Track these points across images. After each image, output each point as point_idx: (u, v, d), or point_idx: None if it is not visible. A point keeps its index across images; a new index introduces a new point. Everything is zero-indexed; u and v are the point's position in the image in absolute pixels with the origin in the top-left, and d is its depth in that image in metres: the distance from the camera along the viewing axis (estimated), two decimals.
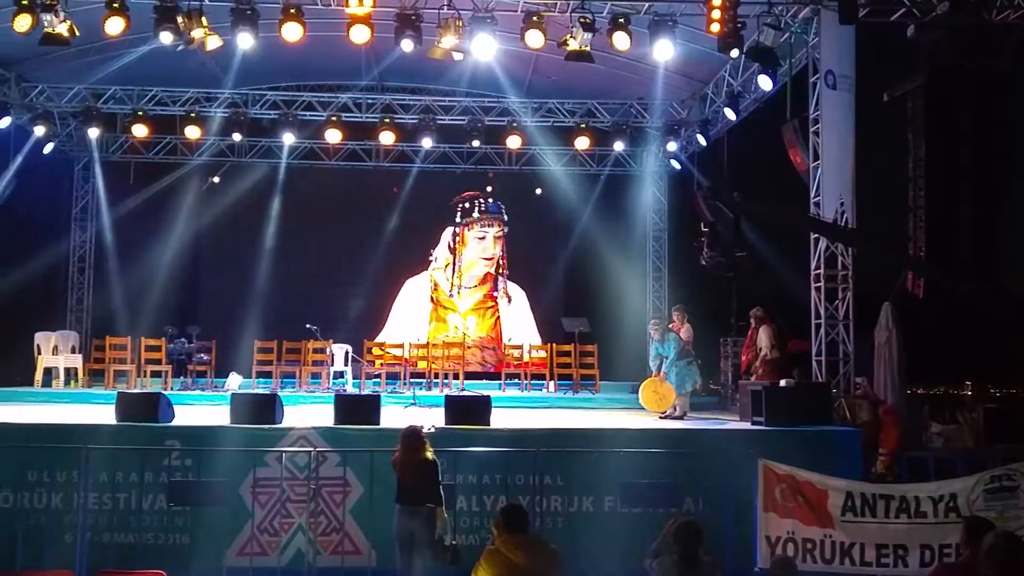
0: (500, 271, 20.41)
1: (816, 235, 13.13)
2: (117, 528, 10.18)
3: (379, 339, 18.83)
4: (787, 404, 11.39)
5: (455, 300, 20.30)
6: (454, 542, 8.62)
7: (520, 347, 17.85)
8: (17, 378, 16.42)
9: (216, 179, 19.85)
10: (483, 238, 20.45)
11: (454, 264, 20.38)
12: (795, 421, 11.19)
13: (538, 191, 20.32)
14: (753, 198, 11.05)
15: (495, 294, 20.37)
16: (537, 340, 19.55)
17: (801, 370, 13.58)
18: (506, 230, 20.39)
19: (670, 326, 13.72)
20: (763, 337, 13.78)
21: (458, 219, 20.39)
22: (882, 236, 14.60)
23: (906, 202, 14.61)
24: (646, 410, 13.31)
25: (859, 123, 12.91)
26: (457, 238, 20.40)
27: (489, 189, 20.37)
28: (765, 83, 14.04)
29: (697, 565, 6.81)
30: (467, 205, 20.40)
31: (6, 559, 9.03)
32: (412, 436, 8.76)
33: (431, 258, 20.43)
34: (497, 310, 20.37)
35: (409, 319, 20.02)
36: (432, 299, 20.35)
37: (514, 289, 20.43)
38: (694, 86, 17.34)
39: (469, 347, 18.52)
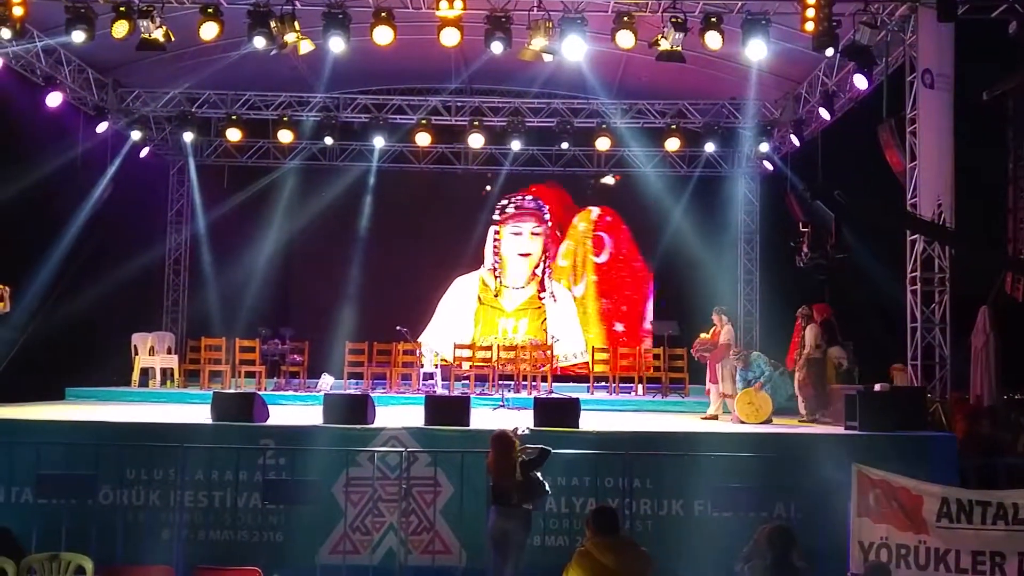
0: (544, 270, 20.36)
1: (913, 236, 12.84)
2: (213, 525, 10.36)
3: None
4: (882, 409, 11.19)
5: (500, 300, 20.29)
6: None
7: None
8: (115, 378, 16.81)
9: None
10: (519, 233, 20.48)
11: (496, 263, 20.45)
12: (889, 426, 11.00)
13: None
14: (852, 198, 10.76)
15: (542, 296, 20.30)
16: (582, 343, 19.64)
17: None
18: (547, 227, 20.39)
19: (713, 329, 13.49)
20: (809, 336, 13.52)
21: (496, 216, 20.48)
22: (983, 237, 14.18)
23: (1005, 203, 14.16)
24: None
25: (957, 122, 12.61)
26: (496, 236, 20.47)
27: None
28: (860, 82, 13.81)
29: (790, 570, 6.74)
30: (504, 202, 20.49)
31: (107, 554, 9.22)
32: (501, 439, 8.80)
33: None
34: (545, 311, 20.28)
35: (455, 317, 20.03)
36: (479, 299, 20.35)
37: (561, 291, 20.33)
38: (787, 85, 17.11)
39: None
